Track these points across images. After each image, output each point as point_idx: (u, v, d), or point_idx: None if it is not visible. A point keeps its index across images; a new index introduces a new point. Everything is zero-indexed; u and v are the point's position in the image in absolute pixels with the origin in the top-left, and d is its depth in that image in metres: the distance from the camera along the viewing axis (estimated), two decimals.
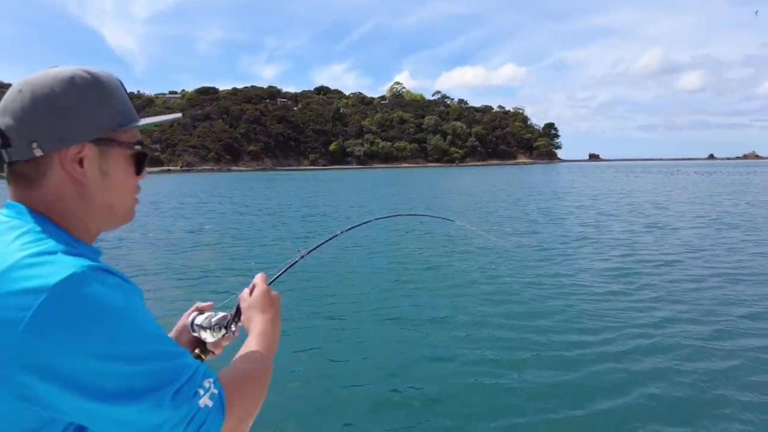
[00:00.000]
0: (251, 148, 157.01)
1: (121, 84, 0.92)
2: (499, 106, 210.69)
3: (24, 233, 0.77)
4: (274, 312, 1.12)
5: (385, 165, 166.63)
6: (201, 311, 1.21)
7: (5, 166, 0.83)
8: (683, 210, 19.50)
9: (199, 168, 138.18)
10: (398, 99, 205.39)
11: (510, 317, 6.60)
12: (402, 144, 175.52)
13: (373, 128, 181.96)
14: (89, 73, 0.85)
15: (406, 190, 37.58)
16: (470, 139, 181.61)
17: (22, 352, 0.66)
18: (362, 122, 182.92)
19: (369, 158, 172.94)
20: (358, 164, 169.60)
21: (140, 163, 0.93)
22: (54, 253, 0.74)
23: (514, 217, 18.19)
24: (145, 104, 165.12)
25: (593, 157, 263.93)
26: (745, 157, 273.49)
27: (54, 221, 0.82)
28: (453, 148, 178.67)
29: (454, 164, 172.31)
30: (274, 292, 1.16)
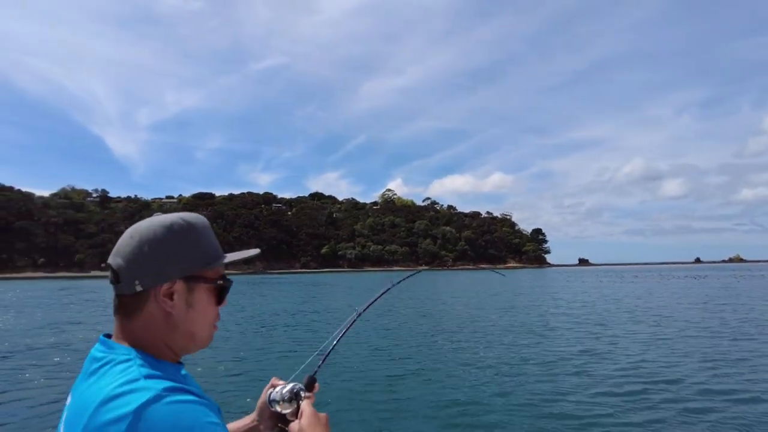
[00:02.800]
0: None
1: (210, 227, 1.10)
2: (488, 212, 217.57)
3: (113, 366, 0.91)
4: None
5: (376, 268, 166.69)
6: (275, 386, 1.27)
7: (114, 297, 1.02)
8: (684, 317, 19.34)
9: None
10: (390, 205, 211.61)
11: None
12: (393, 247, 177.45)
13: (365, 232, 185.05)
14: (185, 220, 1.04)
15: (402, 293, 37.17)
16: (460, 243, 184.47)
17: None
18: (354, 226, 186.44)
19: (360, 261, 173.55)
20: (349, 267, 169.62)
21: (221, 294, 1.08)
22: (136, 380, 0.86)
23: (507, 327, 17.87)
24: (142, 208, 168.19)
25: (582, 262, 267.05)
26: (730, 260, 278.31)
27: (142, 347, 0.97)
28: (443, 252, 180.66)
29: (445, 267, 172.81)
30: (322, 414, 1.18)
